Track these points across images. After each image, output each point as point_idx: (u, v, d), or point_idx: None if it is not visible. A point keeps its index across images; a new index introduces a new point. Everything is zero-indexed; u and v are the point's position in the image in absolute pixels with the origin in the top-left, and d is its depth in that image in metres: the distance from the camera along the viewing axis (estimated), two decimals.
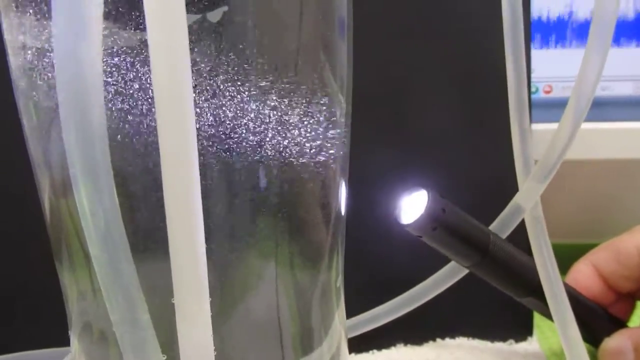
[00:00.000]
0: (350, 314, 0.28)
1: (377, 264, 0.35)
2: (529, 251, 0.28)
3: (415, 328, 0.36)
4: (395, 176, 0.36)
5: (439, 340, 0.37)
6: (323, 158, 0.21)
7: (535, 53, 0.42)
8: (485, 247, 0.27)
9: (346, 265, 0.24)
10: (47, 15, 0.18)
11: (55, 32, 0.13)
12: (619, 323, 0.34)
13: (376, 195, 0.32)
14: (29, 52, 0.19)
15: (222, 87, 0.18)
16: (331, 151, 0.22)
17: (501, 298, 0.32)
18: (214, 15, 0.18)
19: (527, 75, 0.36)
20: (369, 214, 0.32)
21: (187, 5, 0.13)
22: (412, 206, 0.26)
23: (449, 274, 0.31)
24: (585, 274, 0.34)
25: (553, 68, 0.42)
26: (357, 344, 0.34)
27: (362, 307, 0.33)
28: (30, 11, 0.18)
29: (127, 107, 0.18)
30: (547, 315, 0.32)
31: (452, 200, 0.27)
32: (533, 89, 0.42)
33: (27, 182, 0.21)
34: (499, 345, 0.37)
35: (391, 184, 0.35)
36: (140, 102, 0.18)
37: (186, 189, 0.14)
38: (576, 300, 0.30)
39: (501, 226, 0.28)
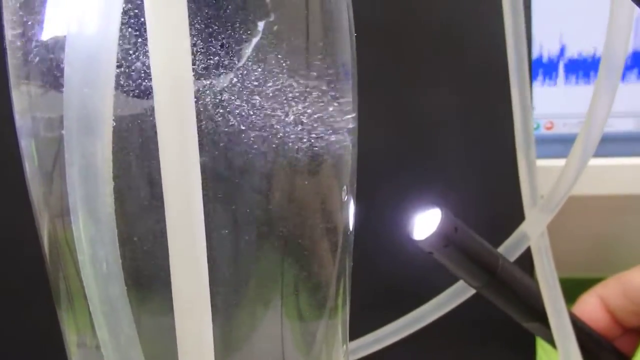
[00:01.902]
0: (355, 330, 0.28)
1: (382, 278, 0.35)
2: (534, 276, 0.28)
3: (417, 352, 0.36)
4: (403, 194, 0.37)
5: None
6: (331, 183, 0.21)
7: (537, 90, 0.42)
8: (494, 269, 0.28)
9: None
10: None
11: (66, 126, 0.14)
12: (624, 358, 0.34)
13: (385, 210, 0.33)
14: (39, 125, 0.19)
15: (220, 141, 0.19)
16: (338, 176, 0.22)
17: (504, 325, 0.32)
18: (221, 82, 0.18)
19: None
20: (376, 230, 0.32)
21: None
22: (425, 223, 0.26)
23: (453, 296, 0.31)
24: (592, 307, 0.34)
25: (554, 105, 0.43)
26: None
27: (366, 323, 0.33)
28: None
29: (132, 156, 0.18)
30: (551, 342, 0.32)
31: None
32: (534, 126, 0.43)
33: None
34: None
35: (399, 202, 0.36)
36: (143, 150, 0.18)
37: (189, 230, 0.14)
38: (581, 330, 0.30)
39: (506, 253, 0.29)
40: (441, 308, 0.31)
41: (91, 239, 0.14)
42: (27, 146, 0.20)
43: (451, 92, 0.37)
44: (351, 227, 0.23)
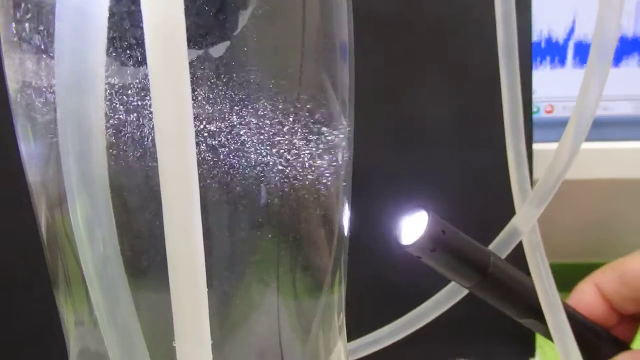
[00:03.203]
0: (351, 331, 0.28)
1: (379, 278, 0.35)
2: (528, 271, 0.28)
3: (417, 351, 0.36)
4: (395, 192, 0.37)
5: None
6: (326, 181, 0.21)
7: (536, 73, 0.42)
8: (485, 269, 0.27)
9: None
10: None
11: (57, 83, 0.14)
12: (622, 345, 0.34)
13: (378, 210, 0.32)
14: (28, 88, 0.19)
15: (222, 114, 0.18)
16: (334, 174, 0.22)
17: (503, 319, 0.31)
18: (217, 50, 0.18)
19: (528, 96, 0.36)
20: (370, 230, 0.32)
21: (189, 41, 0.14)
22: (412, 227, 0.26)
23: (451, 294, 0.31)
24: (588, 295, 0.34)
25: (554, 88, 0.42)
26: None
27: (363, 324, 0.33)
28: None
29: (127, 136, 0.18)
30: (548, 336, 0.32)
31: (450, 217, 0.27)
32: (534, 109, 0.42)
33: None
34: None
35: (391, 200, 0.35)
36: (139, 134, 0.18)
37: (187, 217, 0.14)
38: (577, 321, 0.30)
39: (498, 249, 0.28)
40: (440, 306, 0.31)
41: (85, 202, 0.14)
42: (22, 127, 0.19)
43: (445, 94, 0.36)
44: (346, 218, 0.23)
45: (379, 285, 0.35)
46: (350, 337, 0.28)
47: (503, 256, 0.28)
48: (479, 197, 0.36)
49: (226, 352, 0.20)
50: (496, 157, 0.29)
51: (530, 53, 0.37)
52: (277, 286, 0.21)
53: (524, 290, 0.29)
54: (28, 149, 0.20)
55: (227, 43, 0.18)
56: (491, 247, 0.28)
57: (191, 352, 0.15)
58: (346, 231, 0.23)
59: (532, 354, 0.37)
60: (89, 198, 0.14)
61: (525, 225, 0.26)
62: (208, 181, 0.19)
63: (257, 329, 0.21)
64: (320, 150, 0.21)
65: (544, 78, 0.42)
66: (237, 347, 0.20)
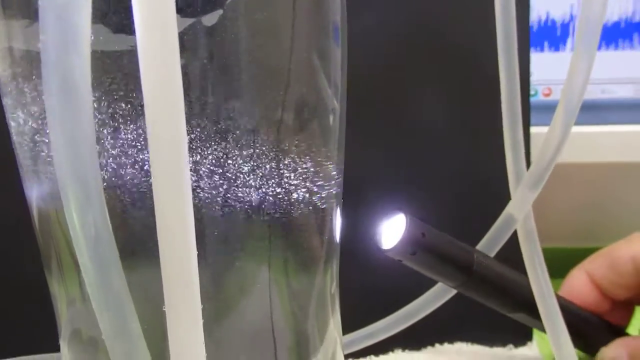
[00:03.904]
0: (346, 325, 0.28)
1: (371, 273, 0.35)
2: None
3: (413, 333, 0.36)
4: (389, 183, 0.37)
5: (437, 345, 0.37)
6: (317, 164, 0.21)
7: (534, 56, 0.41)
8: (469, 267, 0.27)
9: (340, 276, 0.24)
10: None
11: (43, 40, 0.13)
12: (617, 330, 0.34)
13: (371, 201, 0.32)
14: (17, 57, 0.19)
15: (210, 92, 0.18)
16: (326, 156, 0.22)
17: None
18: (209, 19, 0.18)
19: (526, 79, 0.36)
20: (363, 222, 0.32)
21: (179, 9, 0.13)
22: (391, 231, 0.26)
23: (445, 289, 0.31)
24: (580, 283, 0.34)
25: (552, 71, 0.42)
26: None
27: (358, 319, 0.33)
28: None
29: (117, 112, 0.18)
30: (540, 328, 0.32)
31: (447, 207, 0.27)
32: (532, 92, 0.42)
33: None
34: (498, 350, 0.37)
35: (385, 190, 0.35)
36: (130, 109, 0.18)
37: (177, 196, 0.14)
38: (570, 311, 0.30)
39: (494, 237, 0.28)
40: (438, 299, 0.31)
41: (72, 162, 0.14)
42: (11, 108, 0.19)
43: (442, 99, 0.36)
44: (339, 197, 0.23)
45: (368, 285, 0.35)
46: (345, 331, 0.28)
47: (499, 245, 0.28)
48: (476, 204, 0.36)
49: (217, 336, 0.20)
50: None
51: (528, 36, 0.37)
52: (269, 266, 0.21)
53: (511, 285, 0.29)
54: (17, 127, 0.19)
55: (219, 11, 0.18)
56: (487, 236, 0.28)
57: (183, 330, 0.15)
58: (338, 213, 0.23)
59: (530, 339, 0.37)
60: (73, 144, 0.14)
61: (519, 212, 0.26)
62: (198, 166, 0.18)
63: (249, 308, 0.21)
64: (312, 132, 0.21)
65: (542, 61, 0.41)
66: (228, 328, 0.20)
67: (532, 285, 0.26)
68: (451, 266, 0.27)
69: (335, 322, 0.23)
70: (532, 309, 0.28)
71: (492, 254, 0.29)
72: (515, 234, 0.27)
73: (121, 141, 0.18)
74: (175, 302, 0.14)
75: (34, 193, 0.20)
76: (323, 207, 0.22)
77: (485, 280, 0.28)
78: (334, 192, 0.22)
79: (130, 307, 0.15)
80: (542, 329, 0.31)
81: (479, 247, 0.29)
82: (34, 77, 0.18)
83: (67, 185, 0.14)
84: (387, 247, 0.26)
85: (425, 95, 0.36)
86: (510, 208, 0.27)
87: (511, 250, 0.29)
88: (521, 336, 0.37)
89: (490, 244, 0.28)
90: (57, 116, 0.14)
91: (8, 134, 0.20)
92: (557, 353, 0.26)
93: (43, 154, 0.19)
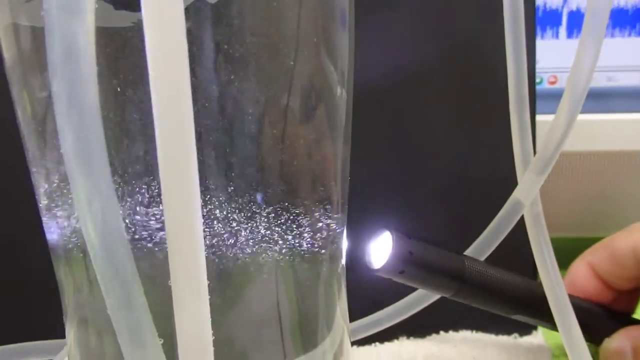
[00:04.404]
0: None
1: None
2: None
3: (418, 321, 0.36)
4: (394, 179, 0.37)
5: (442, 333, 0.37)
6: (322, 146, 0.21)
7: (540, 44, 0.41)
8: (461, 276, 0.27)
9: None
10: None
11: (46, 9, 0.13)
12: (622, 317, 0.34)
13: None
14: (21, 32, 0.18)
15: (215, 71, 0.18)
16: (332, 138, 0.22)
17: None
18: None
19: (532, 67, 0.36)
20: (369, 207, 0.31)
21: None
22: (380, 250, 0.26)
23: None
24: (582, 274, 0.34)
25: (558, 59, 0.41)
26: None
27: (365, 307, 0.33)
28: None
29: (122, 89, 0.18)
30: (541, 324, 0.32)
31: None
32: (538, 80, 0.42)
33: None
34: (503, 338, 0.37)
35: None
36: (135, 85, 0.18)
37: (183, 173, 0.14)
38: (573, 304, 0.30)
39: (501, 223, 0.28)
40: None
41: (76, 131, 0.14)
42: (18, 94, 0.19)
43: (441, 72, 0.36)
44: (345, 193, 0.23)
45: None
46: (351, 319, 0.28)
47: (507, 230, 0.28)
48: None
49: (223, 323, 0.20)
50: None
51: (533, 23, 0.36)
52: (276, 251, 0.21)
53: (506, 287, 0.29)
54: (24, 115, 0.20)
55: None
56: (494, 223, 0.28)
57: (188, 302, 0.15)
58: (345, 195, 0.23)
59: (535, 327, 0.37)
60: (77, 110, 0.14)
61: (527, 197, 0.26)
62: (202, 147, 0.18)
63: (255, 290, 0.21)
64: (318, 116, 0.21)
65: (548, 49, 0.41)
66: (233, 315, 0.20)
67: (539, 271, 0.26)
68: (443, 277, 0.27)
69: (342, 307, 0.23)
70: (530, 309, 0.29)
71: (499, 240, 0.29)
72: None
73: (125, 117, 0.18)
74: (181, 277, 0.14)
75: (41, 175, 0.20)
76: (330, 189, 0.22)
77: (479, 286, 0.28)
78: (340, 173, 0.22)
79: (136, 280, 0.15)
80: (544, 326, 0.31)
81: (485, 233, 0.29)
82: (39, 55, 0.18)
83: (73, 162, 0.14)
84: (376, 267, 0.26)
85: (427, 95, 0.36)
86: (517, 193, 0.27)
87: (517, 239, 0.29)
88: (526, 325, 0.37)
89: (497, 229, 0.28)
90: (62, 85, 0.13)
91: (10, 119, 0.20)
92: (566, 339, 0.26)
93: (48, 135, 0.19)
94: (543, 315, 0.29)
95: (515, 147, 0.26)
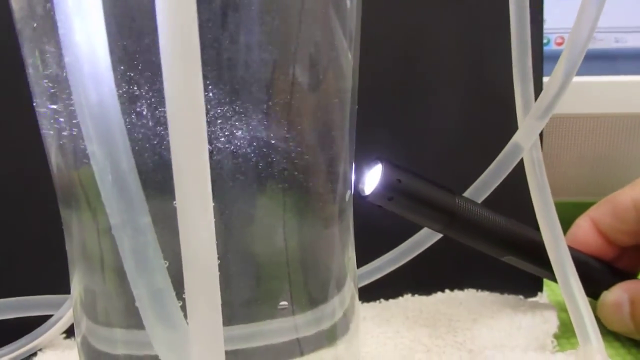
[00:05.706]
0: None
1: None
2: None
3: (423, 279, 0.36)
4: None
5: (447, 291, 0.37)
6: (331, 104, 0.21)
7: (547, 3, 0.41)
8: (451, 209, 0.28)
9: None
10: None
11: None
12: (626, 275, 0.34)
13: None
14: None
15: (222, 38, 0.18)
16: (339, 97, 0.22)
17: None
18: None
19: (539, 27, 0.36)
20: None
21: None
22: (372, 178, 0.27)
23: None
24: (585, 230, 0.34)
25: (566, 19, 0.41)
26: (365, 293, 0.35)
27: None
28: None
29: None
30: (532, 270, 0.32)
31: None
32: (545, 41, 0.42)
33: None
34: (509, 297, 0.37)
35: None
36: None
37: (191, 110, 0.14)
38: (574, 256, 0.30)
39: (499, 166, 0.28)
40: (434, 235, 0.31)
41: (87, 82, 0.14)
42: (30, 51, 0.19)
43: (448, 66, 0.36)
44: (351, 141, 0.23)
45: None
46: None
47: (504, 174, 0.28)
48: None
49: (230, 272, 0.20)
50: None
51: None
52: (283, 203, 0.21)
53: (497, 228, 0.29)
54: (36, 73, 0.20)
55: None
56: (493, 165, 0.29)
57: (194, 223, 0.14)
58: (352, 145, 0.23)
59: (540, 289, 0.37)
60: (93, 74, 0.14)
61: (527, 141, 0.26)
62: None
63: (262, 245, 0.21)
64: (325, 85, 0.21)
65: (555, 9, 0.41)
66: (241, 265, 0.21)
67: (537, 216, 0.27)
68: (432, 209, 0.28)
69: (351, 265, 0.24)
70: (520, 251, 0.29)
71: (496, 183, 0.29)
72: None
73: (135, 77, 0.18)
74: (186, 195, 0.14)
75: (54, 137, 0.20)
76: (336, 141, 0.22)
77: (468, 222, 0.28)
78: (347, 124, 0.22)
79: (141, 199, 0.15)
80: (534, 272, 0.31)
81: (483, 176, 0.29)
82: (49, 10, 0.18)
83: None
84: (367, 193, 0.27)
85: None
86: (517, 137, 0.27)
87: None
88: (531, 288, 0.37)
89: (495, 172, 0.28)
90: (72, 37, 0.14)
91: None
92: (564, 288, 0.26)
93: (58, 91, 0.19)
94: (535, 258, 0.30)
95: (516, 93, 0.27)
